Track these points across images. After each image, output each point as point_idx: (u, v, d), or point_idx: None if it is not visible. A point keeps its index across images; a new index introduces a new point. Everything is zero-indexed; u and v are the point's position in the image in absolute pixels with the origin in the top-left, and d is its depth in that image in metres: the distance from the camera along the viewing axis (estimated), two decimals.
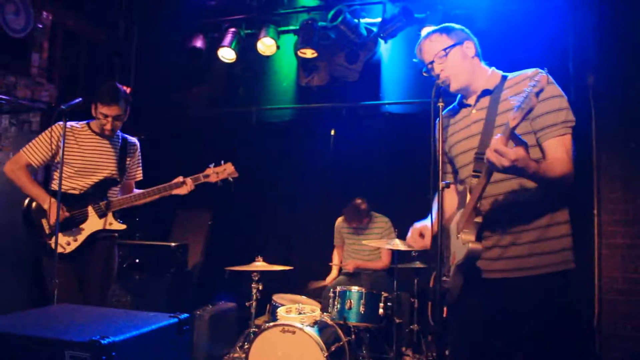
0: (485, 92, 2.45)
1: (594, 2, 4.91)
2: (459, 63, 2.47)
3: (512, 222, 2.32)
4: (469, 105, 2.54)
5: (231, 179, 3.90)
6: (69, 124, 3.67)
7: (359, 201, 5.28)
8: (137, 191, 3.90)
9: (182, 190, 3.76)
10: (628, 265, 4.68)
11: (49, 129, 3.66)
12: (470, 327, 2.46)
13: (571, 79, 4.96)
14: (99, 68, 3.84)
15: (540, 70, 2.08)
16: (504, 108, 2.35)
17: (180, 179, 3.76)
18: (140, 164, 4.04)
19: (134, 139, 3.99)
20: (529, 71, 2.38)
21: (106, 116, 3.64)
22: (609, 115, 4.78)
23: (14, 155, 3.73)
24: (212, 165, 3.86)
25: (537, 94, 1.94)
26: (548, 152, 2.25)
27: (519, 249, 2.31)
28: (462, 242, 2.26)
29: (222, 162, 3.88)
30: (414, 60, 2.63)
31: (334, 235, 5.64)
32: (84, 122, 3.74)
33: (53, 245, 3.49)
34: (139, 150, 4.01)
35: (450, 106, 2.68)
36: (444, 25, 2.57)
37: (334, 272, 5.50)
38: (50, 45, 5.36)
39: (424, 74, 2.59)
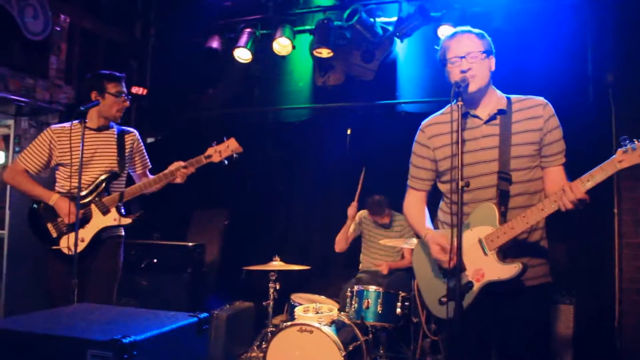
0: (501, 112, 2.57)
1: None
2: (485, 70, 2.55)
3: (523, 240, 2.53)
4: (477, 117, 2.59)
5: (236, 156, 3.70)
6: (60, 125, 3.71)
7: (377, 197, 5.27)
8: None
9: (180, 178, 3.65)
10: None
11: (42, 133, 3.67)
12: (485, 337, 2.64)
13: (590, 78, 4.90)
14: (116, 69, 3.86)
15: (547, 102, 2.51)
16: (518, 129, 2.53)
17: (180, 163, 3.65)
18: (145, 153, 3.97)
19: (132, 129, 3.92)
20: (536, 99, 2.59)
21: (121, 93, 3.67)
22: (630, 114, 4.71)
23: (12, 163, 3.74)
24: (214, 144, 3.69)
25: None
26: (554, 177, 2.56)
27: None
28: (499, 260, 2.43)
29: (225, 138, 3.70)
30: (436, 47, 2.68)
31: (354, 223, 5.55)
32: (76, 121, 3.61)
33: (63, 250, 3.51)
34: (139, 139, 3.93)
35: (439, 112, 2.76)
36: (481, 32, 2.62)
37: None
38: (68, 48, 5.42)
39: (442, 63, 2.62)
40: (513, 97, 2.64)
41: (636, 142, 2.14)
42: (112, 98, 3.65)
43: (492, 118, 2.56)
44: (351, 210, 5.29)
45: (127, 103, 3.75)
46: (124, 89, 3.73)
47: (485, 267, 2.45)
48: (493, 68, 2.58)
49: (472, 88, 2.49)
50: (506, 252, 2.46)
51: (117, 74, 3.73)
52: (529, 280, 2.51)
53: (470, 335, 2.53)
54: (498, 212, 2.45)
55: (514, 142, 2.51)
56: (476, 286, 2.45)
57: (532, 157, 2.53)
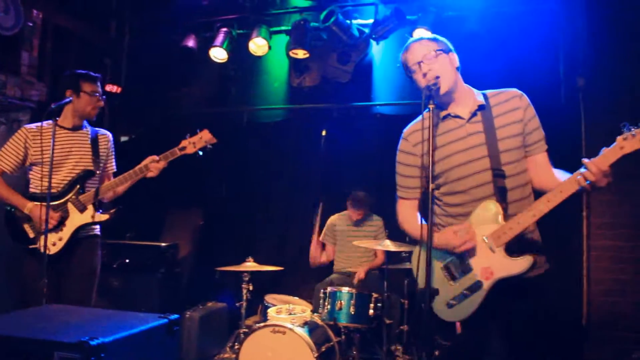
0: (481, 108, 2.58)
1: (585, 5, 4.94)
2: (447, 66, 2.57)
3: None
4: (459, 117, 2.61)
5: (209, 146, 3.71)
6: (34, 124, 3.69)
7: (360, 193, 5.34)
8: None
9: (154, 172, 3.61)
10: (616, 267, 4.71)
11: (16, 133, 3.65)
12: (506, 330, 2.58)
13: (562, 81, 4.99)
14: (90, 67, 3.83)
15: (522, 92, 2.55)
16: (501, 123, 2.55)
17: (153, 157, 3.63)
18: (114, 156, 3.97)
19: (106, 131, 3.93)
20: (511, 91, 2.63)
21: (96, 93, 3.68)
22: (599, 118, 4.80)
23: None
24: (187, 137, 3.69)
25: None
26: (538, 164, 2.58)
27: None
28: (507, 256, 2.43)
29: (198, 130, 3.70)
30: (397, 65, 2.73)
31: (323, 231, 5.61)
32: (49, 120, 3.50)
33: (41, 248, 3.45)
34: (111, 142, 3.94)
35: (418, 119, 2.72)
36: (434, 35, 2.68)
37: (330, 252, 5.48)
38: (40, 44, 5.33)
39: (408, 76, 2.66)
40: (488, 92, 2.67)
41: (634, 129, 2.17)
42: (87, 97, 3.67)
43: (473, 115, 2.58)
44: (314, 247, 5.44)
45: (102, 103, 3.77)
46: (99, 89, 3.74)
47: (493, 265, 2.45)
48: (457, 64, 2.61)
49: (443, 89, 2.51)
50: (511, 247, 2.45)
51: (93, 74, 3.75)
52: (531, 272, 2.48)
53: (480, 334, 2.57)
54: (501, 209, 2.46)
55: (500, 136, 2.54)
56: (486, 284, 2.46)
57: (519, 149, 2.55)
